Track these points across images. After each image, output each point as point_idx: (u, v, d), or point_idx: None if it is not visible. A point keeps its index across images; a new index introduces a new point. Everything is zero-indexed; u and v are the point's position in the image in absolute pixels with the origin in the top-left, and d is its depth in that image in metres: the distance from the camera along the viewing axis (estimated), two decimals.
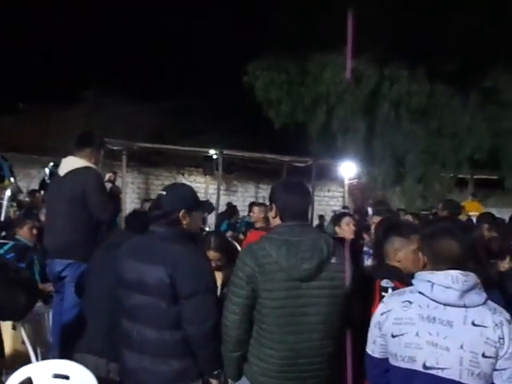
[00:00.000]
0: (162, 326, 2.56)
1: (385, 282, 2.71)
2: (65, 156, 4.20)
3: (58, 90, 16.47)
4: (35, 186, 9.53)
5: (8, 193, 5.93)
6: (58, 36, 17.77)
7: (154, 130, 16.25)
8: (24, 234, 4.94)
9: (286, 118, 10.87)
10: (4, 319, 2.89)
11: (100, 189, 4.00)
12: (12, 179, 6.45)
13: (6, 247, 4.80)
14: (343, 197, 15.08)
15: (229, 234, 8.17)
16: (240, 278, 2.43)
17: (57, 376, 2.75)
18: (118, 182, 10.69)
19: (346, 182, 14.19)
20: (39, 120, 18.46)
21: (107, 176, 4.24)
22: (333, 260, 2.43)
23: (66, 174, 4.03)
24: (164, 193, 2.72)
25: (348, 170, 13.09)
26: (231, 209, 10.99)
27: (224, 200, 13.07)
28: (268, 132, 12.93)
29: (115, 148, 11.64)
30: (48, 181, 7.03)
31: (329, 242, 2.49)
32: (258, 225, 5.99)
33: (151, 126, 16.41)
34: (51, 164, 7.21)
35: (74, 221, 3.91)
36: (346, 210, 9.10)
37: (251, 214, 6.50)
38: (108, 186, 4.18)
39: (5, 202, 5.68)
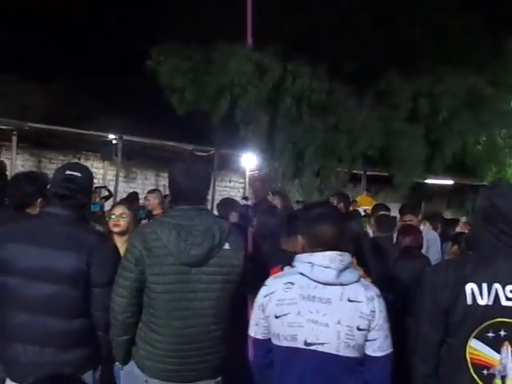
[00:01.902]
0: (72, 314, 2.39)
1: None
2: None
3: None
4: None
5: None
6: None
7: (49, 111, 15.37)
8: None
9: (190, 106, 10.76)
10: None
11: None
12: None
13: None
14: (244, 188, 15.27)
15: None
16: (128, 261, 2.36)
17: None
18: (7, 164, 10.01)
19: (248, 172, 14.37)
20: None
21: None
22: (226, 246, 2.43)
23: None
24: (78, 174, 2.50)
25: (249, 161, 13.25)
26: (132, 196, 10.70)
27: (123, 187, 12.70)
28: (170, 119, 12.74)
29: (4, 127, 10.85)
30: None
31: (223, 227, 2.46)
32: (155, 212, 5.87)
33: (46, 107, 15.51)
34: None
35: None
36: (247, 202, 9.20)
37: (146, 202, 6.34)
38: None
39: None
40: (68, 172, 2.47)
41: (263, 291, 2.27)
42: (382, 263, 3.10)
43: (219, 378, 2.55)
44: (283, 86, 10.66)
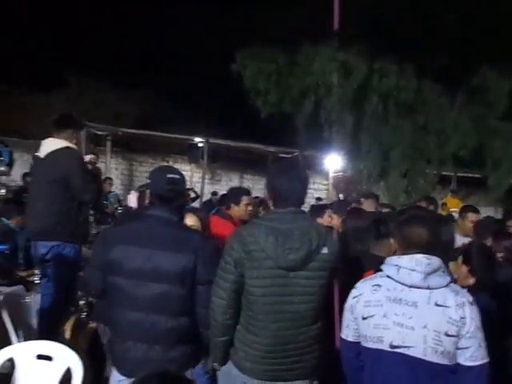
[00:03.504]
0: (178, 312, 2.48)
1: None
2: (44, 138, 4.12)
3: (41, 74, 16.23)
4: (20, 169, 9.35)
5: None
6: (43, 21, 17.46)
7: (139, 116, 16.10)
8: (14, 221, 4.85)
9: (273, 108, 10.78)
10: None
11: (82, 169, 3.91)
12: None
13: None
14: (327, 189, 15.10)
15: None
16: (227, 263, 2.40)
17: (40, 357, 2.70)
18: (102, 168, 10.58)
19: (331, 174, 14.20)
20: (20, 104, 18.15)
21: (88, 158, 4.15)
22: (324, 250, 2.41)
23: (46, 155, 3.93)
24: (178, 176, 2.58)
25: (333, 162, 13.07)
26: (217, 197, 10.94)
27: (208, 189, 13.00)
28: (254, 122, 12.87)
29: (99, 133, 11.48)
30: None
31: (320, 231, 2.46)
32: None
33: (137, 113, 16.25)
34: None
35: (56, 202, 3.83)
36: (324, 202, 9.09)
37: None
38: (88, 167, 4.09)
39: None
40: (169, 175, 2.55)
41: (353, 293, 2.31)
42: (490, 270, 2.93)
43: (316, 382, 2.55)
44: (369, 85, 10.39)
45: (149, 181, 2.60)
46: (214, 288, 2.43)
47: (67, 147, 3.90)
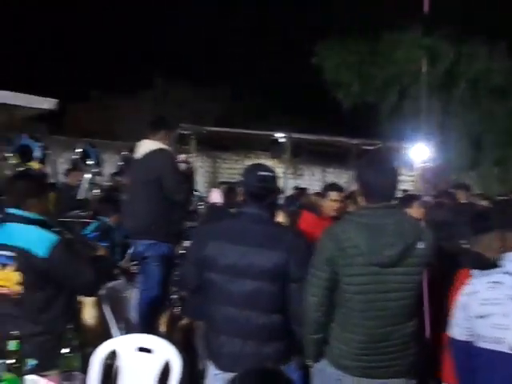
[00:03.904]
0: (271, 309, 2.50)
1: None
2: (139, 140, 4.28)
3: (127, 77, 16.98)
4: (109, 169, 9.85)
5: (87, 175, 6.18)
6: (128, 25, 18.24)
7: (221, 114, 16.42)
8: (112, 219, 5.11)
9: (356, 100, 10.60)
10: (76, 293, 2.97)
11: (174, 170, 4.02)
12: (91, 162, 6.70)
13: (90, 227, 5.04)
14: (413, 181, 14.60)
15: None
16: (320, 261, 2.38)
17: (140, 349, 2.82)
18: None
19: (417, 165, 13.71)
20: (109, 107, 19.14)
21: (182, 157, 4.27)
22: (419, 245, 2.33)
23: (142, 156, 4.09)
24: (269, 173, 2.59)
25: (419, 152, 12.63)
26: (300, 192, 10.90)
27: (291, 184, 12.99)
28: (336, 114, 12.70)
29: (184, 132, 11.81)
30: (123, 166, 7.31)
31: (415, 225, 2.39)
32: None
33: (219, 111, 16.58)
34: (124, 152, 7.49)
35: (151, 202, 3.96)
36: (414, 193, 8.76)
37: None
38: (182, 166, 4.21)
39: (85, 185, 5.93)
40: (260, 173, 2.57)
41: (465, 290, 2.18)
42: None
43: (412, 382, 2.47)
44: (457, 70, 9.94)
45: (242, 178, 2.63)
46: (307, 286, 2.42)
47: (161, 149, 4.03)
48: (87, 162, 6.62)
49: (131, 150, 7.77)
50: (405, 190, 11.66)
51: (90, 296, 3.42)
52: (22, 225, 2.71)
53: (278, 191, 2.73)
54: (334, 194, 4.25)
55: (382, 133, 11.59)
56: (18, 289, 2.64)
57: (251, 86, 16.38)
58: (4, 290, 2.67)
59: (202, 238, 2.61)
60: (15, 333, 2.07)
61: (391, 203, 2.44)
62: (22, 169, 5.30)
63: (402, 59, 9.78)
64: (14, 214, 2.74)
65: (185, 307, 4.01)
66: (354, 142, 12.84)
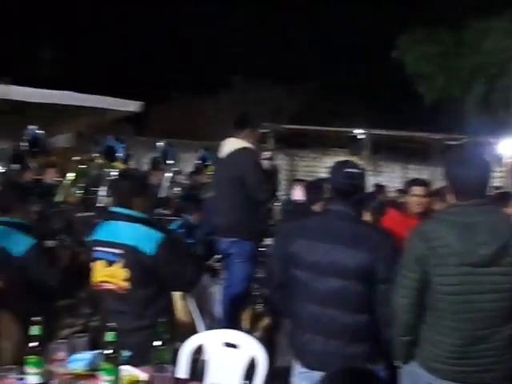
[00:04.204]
0: (356, 309, 2.47)
1: None
2: (223, 138, 4.35)
3: (207, 78, 17.37)
4: (190, 168, 10.15)
5: (167, 174, 6.39)
6: (206, 27, 18.65)
7: (298, 111, 16.39)
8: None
9: (439, 93, 10.16)
10: (176, 290, 3.06)
11: (257, 169, 4.04)
12: (171, 162, 6.92)
13: (176, 223, 5.21)
14: (502, 177, 13.81)
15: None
16: (410, 260, 2.30)
17: (227, 344, 2.87)
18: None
19: (506, 160, 12.95)
20: (190, 107, 19.68)
21: (266, 154, 4.29)
22: None
23: (227, 155, 4.15)
24: (357, 170, 2.56)
25: (508, 147, 11.92)
26: (378, 189, 10.65)
27: (370, 181, 12.71)
28: (417, 109, 12.26)
29: (262, 130, 11.88)
30: (200, 165, 7.50)
31: (510, 223, 2.26)
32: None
33: (296, 108, 16.56)
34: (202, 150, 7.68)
35: (235, 201, 4.02)
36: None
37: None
38: (266, 164, 4.23)
39: (165, 183, 6.13)
40: (347, 169, 2.53)
41: None
42: None
43: None
44: None
45: (329, 175, 2.60)
46: (396, 287, 2.35)
47: (245, 147, 4.08)
48: (167, 162, 6.84)
49: (207, 148, 7.99)
50: (497, 187, 11.05)
51: (188, 291, 3.51)
52: (128, 223, 2.81)
53: (366, 189, 2.68)
54: (417, 189, 4.07)
55: (467, 127, 11.04)
56: (125, 285, 2.75)
57: (329, 83, 16.21)
58: (111, 286, 2.79)
59: (288, 235, 2.61)
60: (112, 325, 2.17)
61: (483, 200, 2.32)
62: (111, 169, 5.57)
63: (490, 49, 9.24)
64: (118, 213, 2.86)
65: (269, 304, 4.04)
66: (437, 137, 12.34)
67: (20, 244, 3.06)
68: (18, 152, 5.72)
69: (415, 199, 4.03)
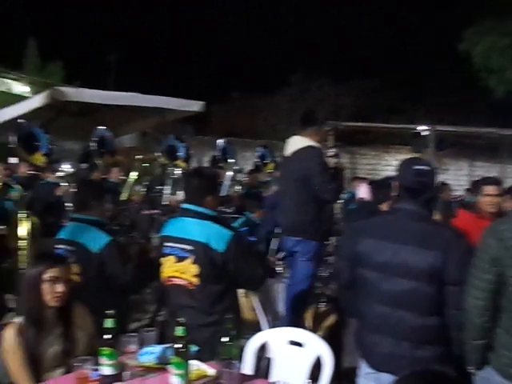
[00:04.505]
0: (426, 311, 2.40)
1: None
2: (282, 137, 4.33)
3: (266, 78, 17.46)
4: (250, 167, 10.20)
5: (228, 173, 6.45)
6: (265, 27, 18.73)
7: (358, 108, 16.14)
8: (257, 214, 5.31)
9: (510, 87, 9.67)
10: (244, 287, 3.08)
11: (322, 169, 3.97)
12: (232, 160, 6.98)
13: (239, 221, 5.27)
14: None
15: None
16: (484, 261, 2.20)
17: (291, 343, 2.86)
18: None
19: None
20: (249, 107, 19.83)
21: (332, 151, 4.23)
22: None
23: (292, 154, 4.13)
24: (427, 168, 2.48)
25: None
26: (443, 187, 10.29)
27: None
28: (484, 103, 11.76)
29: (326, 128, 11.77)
30: (259, 163, 7.51)
31: None
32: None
33: (355, 105, 16.31)
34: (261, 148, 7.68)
35: (300, 200, 3.98)
36: None
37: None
38: (331, 161, 4.18)
39: (226, 182, 6.20)
40: (416, 167, 2.45)
41: None
42: None
43: None
44: None
45: (397, 173, 2.54)
46: (469, 288, 2.25)
47: (309, 146, 4.03)
48: (228, 160, 6.91)
49: (265, 146, 7.98)
50: None
51: (255, 290, 3.54)
52: (199, 220, 2.86)
53: (435, 187, 2.58)
54: (489, 189, 3.88)
55: None
56: (195, 281, 2.80)
57: (390, 79, 15.86)
58: (180, 282, 2.85)
59: (355, 235, 2.57)
60: (182, 320, 2.21)
61: None
62: (173, 168, 5.67)
63: None
64: (190, 210, 2.91)
65: (335, 303, 4.01)
66: (507, 132, 11.78)
67: (97, 240, 3.19)
68: (87, 152, 5.94)
69: (488, 199, 3.85)
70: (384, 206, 3.60)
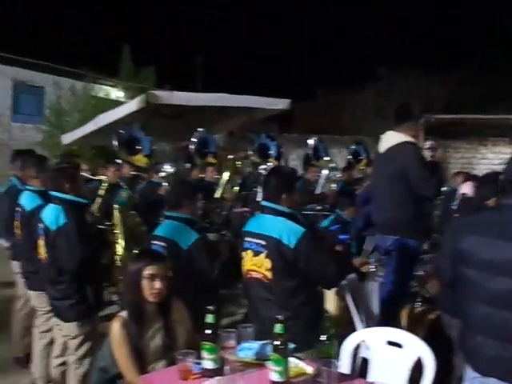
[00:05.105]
0: None
1: None
2: (370, 132, 4.22)
3: (351, 73, 17.22)
4: (339, 163, 10.07)
5: (325, 171, 6.43)
6: (349, 23, 18.45)
7: (450, 100, 15.45)
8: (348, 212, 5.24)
9: None
10: (317, 285, 3.05)
11: (420, 164, 3.80)
12: (327, 158, 6.96)
13: (329, 219, 5.24)
14: None
15: None
16: None
17: (390, 343, 2.79)
18: None
19: None
20: (334, 103, 19.63)
21: (428, 144, 4.06)
22: None
23: (386, 150, 4.00)
24: None
25: None
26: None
27: None
28: None
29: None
30: (352, 160, 7.38)
31: None
32: None
33: (447, 96, 15.63)
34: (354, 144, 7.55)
35: (397, 198, 3.85)
36: None
37: None
38: (429, 154, 4.01)
39: (322, 180, 6.17)
40: None
41: None
42: None
43: None
44: None
45: (504, 166, 2.38)
46: None
47: (405, 142, 3.89)
48: (324, 158, 6.89)
49: (358, 142, 7.83)
50: None
51: (329, 288, 3.51)
52: (274, 216, 2.96)
53: None
54: None
55: None
56: (269, 274, 2.89)
57: (482, 68, 15.04)
58: (257, 275, 2.95)
59: (458, 231, 2.44)
60: (280, 317, 2.22)
61: None
62: (264, 166, 5.71)
63: None
64: (267, 206, 3.02)
65: (433, 303, 3.86)
66: None
67: (187, 237, 3.35)
68: (188, 152, 6.17)
69: None
70: (491, 202, 3.40)
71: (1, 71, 14.01)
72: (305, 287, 2.94)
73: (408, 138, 3.90)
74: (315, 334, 2.77)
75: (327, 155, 6.77)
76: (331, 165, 6.43)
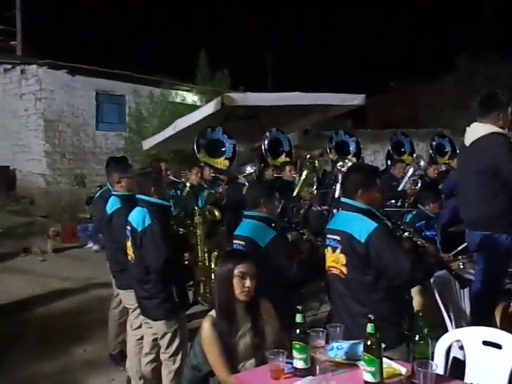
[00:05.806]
0: None
1: None
2: (449, 124, 4.03)
3: (427, 63, 16.63)
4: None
5: (411, 169, 6.29)
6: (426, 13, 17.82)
7: None
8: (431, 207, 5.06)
9: None
10: (392, 281, 2.94)
11: (510, 157, 3.57)
12: (414, 155, 6.81)
13: (411, 214, 5.10)
14: None
15: None
16: None
17: (486, 343, 2.65)
18: None
19: None
20: (410, 95, 19.03)
21: None
22: None
23: (472, 143, 3.80)
24: None
25: None
26: None
27: None
28: None
29: None
30: (434, 153, 7.13)
31: None
32: None
33: None
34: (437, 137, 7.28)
35: (487, 192, 3.65)
36: None
37: None
38: None
39: (406, 177, 6.03)
40: None
41: None
42: None
43: None
44: None
45: None
46: None
47: (493, 133, 3.66)
48: (414, 155, 6.74)
49: (441, 135, 7.53)
50: None
51: (409, 286, 3.38)
52: (350, 212, 2.96)
53: None
54: None
55: None
56: (344, 270, 2.90)
57: None
58: (336, 271, 2.97)
59: None
60: (372, 316, 2.16)
61: None
62: (341, 163, 5.64)
63: None
64: (344, 203, 3.04)
65: None
66: None
67: (265, 236, 3.39)
68: (262, 152, 6.23)
69: None
70: None
71: (85, 83, 14.74)
72: (383, 284, 2.87)
73: (496, 129, 3.67)
74: (394, 332, 2.74)
75: (411, 150, 6.59)
76: (418, 160, 6.27)
